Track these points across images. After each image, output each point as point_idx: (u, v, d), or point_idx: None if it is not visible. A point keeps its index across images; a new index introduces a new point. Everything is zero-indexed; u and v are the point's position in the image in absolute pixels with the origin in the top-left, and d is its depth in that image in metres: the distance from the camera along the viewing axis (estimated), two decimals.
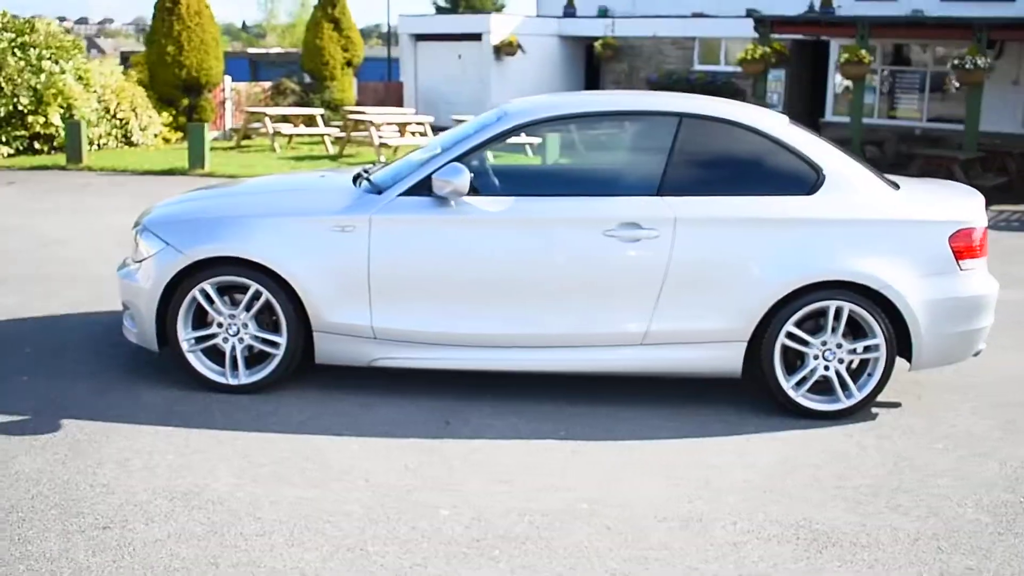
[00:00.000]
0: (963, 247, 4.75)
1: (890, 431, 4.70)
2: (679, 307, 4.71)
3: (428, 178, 4.73)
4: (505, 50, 23.05)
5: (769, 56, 17.08)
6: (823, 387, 4.80)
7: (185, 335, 4.86)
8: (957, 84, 16.45)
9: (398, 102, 23.82)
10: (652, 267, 4.69)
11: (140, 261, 4.95)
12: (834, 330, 4.72)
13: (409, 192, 4.77)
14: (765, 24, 17.38)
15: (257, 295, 4.79)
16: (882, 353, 4.73)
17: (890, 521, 3.76)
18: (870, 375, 4.78)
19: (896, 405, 5.03)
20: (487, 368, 4.84)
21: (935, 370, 5.21)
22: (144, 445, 4.24)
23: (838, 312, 4.69)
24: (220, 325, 4.86)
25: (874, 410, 4.92)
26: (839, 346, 4.74)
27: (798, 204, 4.74)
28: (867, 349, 4.75)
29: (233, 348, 4.88)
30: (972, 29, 15.14)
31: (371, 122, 15.43)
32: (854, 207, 4.75)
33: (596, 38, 24.24)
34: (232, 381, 4.88)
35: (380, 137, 15.65)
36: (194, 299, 4.81)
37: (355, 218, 4.74)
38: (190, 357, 4.88)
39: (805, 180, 4.79)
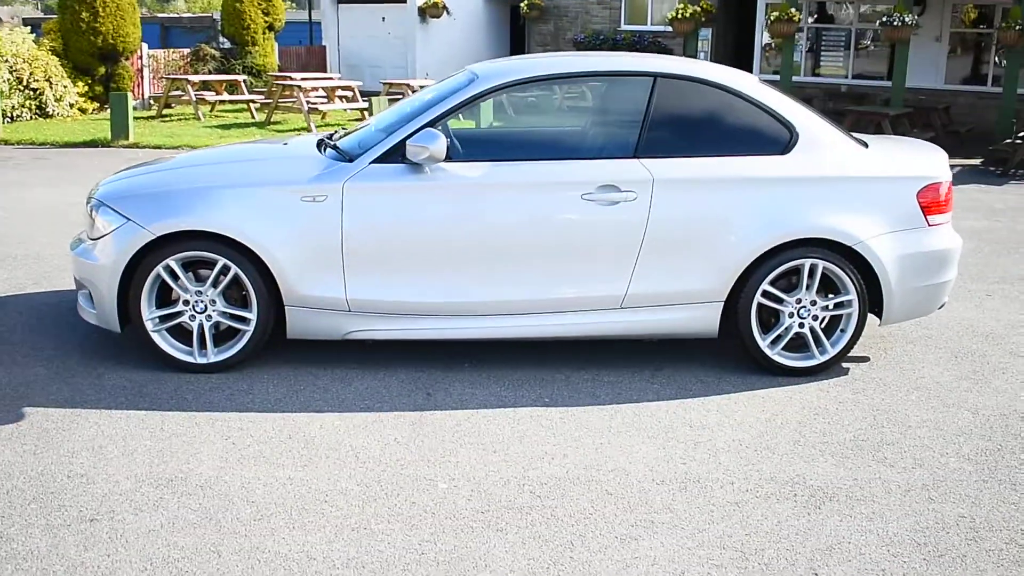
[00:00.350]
0: (930, 202, 4.84)
1: (864, 385, 4.79)
2: (657, 269, 4.70)
3: (400, 144, 4.61)
4: (430, 12, 22.65)
5: (699, 15, 17.18)
6: (797, 344, 4.86)
7: (149, 314, 4.66)
8: (884, 41, 16.73)
9: (321, 67, 23.27)
10: (630, 230, 4.66)
11: (98, 238, 4.71)
12: (808, 287, 4.77)
13: (381, 159, 4.63)
14: None
15: (225, 270, 4.61)
16: (855, 309, 4.80)
17: (879, 474, 3.84)
18: (843, 331, 4.85)
19: (865, 359, 5.13)
20: (465, 337, 4.76)
21: (897, 324, 5.32)
22: (117, 431, 4.07)
23: (812, 269, 4.74)
24: (186, 303, 4.68)
25: (845, 365, 5.01)
26: (813, 303, 4.80)
27: (773, 163, 4.75)
28: (839, 305, 4.82)
29: (201, 326, 4.70)
30: None
31: (299, 87, 15.03)
32: (827, 165, 4.78)
33: None
34: (200, 360, 4.71)
35: (309, 103, 15.27)
36: (158, 276, 4.62)
37: (327, 187, 4.59)
38: (155, 337, 4.69)
39: (779, 139, 4.80)
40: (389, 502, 3.52)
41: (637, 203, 4.63)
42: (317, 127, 15.11)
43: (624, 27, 23.47)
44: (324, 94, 16.03)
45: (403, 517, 3.42)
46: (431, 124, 4.64)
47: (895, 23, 14.78)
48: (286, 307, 4.67)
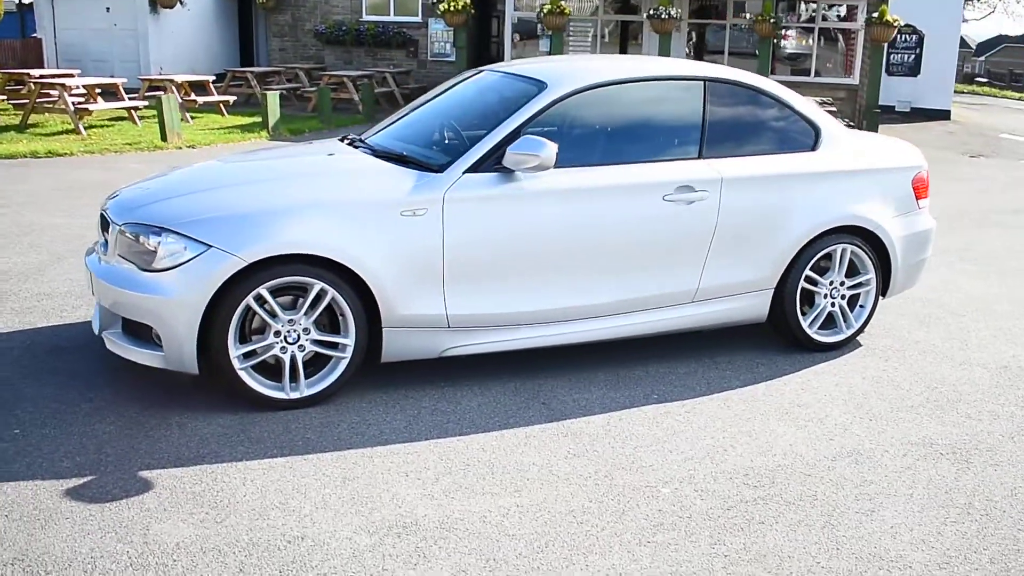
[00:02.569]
0: (919, 187, 5.54)
1: (882, 352, 5.40)
2: (723, 263, 4.99)
3: (491, 152, 4.48)
4: (163, 2, 21.01)
5: (469, 7, 17.51)
6: (827, 322, 5.37)
7: (236, 351, 4.18)
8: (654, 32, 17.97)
9: (38, 61, 20.80)
10: (703, 227, 4.90)
11: (165, 269, 4.12)
12: (838, 270, 5.29)
13: (472, 168, 4.48)
14: None
15: (321, 294, 4.24)
16: (873, 286, 5.41)
17: (979, 428, 4.42)
18: (862, 307, 5.44)
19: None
20: (558, 343, 4.76)
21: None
22: (274, 482, 3.65)
23: (842, 253, 5.26)
24: (277, 333, 4.24)
25: (859, 339, 5.62)
26: (842, 284, 5.33)
27: (808, 159, 5.20)
28: (859, 284, 5.39)
29: (293, 358, 4.29)
30: None
31: (63, 86, 13.44)
32: (846, 159, 5.32)
33: None
34: (293, 395, 4.30)
35: (75, 103, 13.71)
36: (247, 308, 4.15)
37: (426, 199, 4.37)
38: (243, 375, 4.21)
39: (807, 137, 5.26)
40: (633, 513, 3.52)
41: (709, 201, 4.87)
42: (86, 128, 13.60)
43: (366, 17, 23.29)
44: (85, 91, 14.43)
45: (663, 526, 3.44)
46: (516, 133, 4.55)
47: (663, 16, 16.08)
48: (384, 329, 4.39)
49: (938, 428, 4.40)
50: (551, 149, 4.39)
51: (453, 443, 4.06)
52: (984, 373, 5.15)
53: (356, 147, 5.14)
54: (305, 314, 4.26)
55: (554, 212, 4.60)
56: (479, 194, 4.46)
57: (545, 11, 16.90)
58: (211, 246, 4.08)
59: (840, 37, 21.37)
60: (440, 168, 4.49)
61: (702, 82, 5.07)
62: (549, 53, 19.82)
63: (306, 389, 4.32)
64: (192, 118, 15.78)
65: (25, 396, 4.37)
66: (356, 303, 4.30)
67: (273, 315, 4.22)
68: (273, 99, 14.85)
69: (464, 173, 4.46)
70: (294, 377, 4.31)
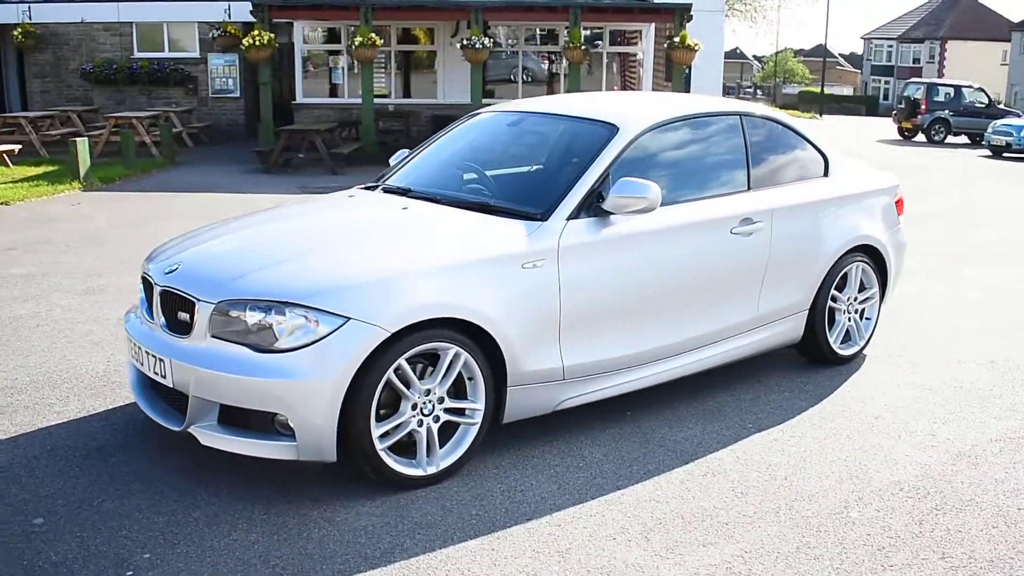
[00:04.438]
0: (900, 205, 6.05)
1: (891, 358, 5.84)
2: (773, 290, 5.18)
3: (587, 198, 4.39)
4: None
5: (273, 42, 16.85)
6: (844, 336, 5.72)
7: (377, 431, 3.80)
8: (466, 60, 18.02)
9: None
10: (760, 256, 5.06)
11: (292, 349, 3.67)
12: (855, 287, 5.67)
13: (572, 215, 4.36)
14: (263, 8, 17.04)
15: (455, 359, 3.96)
16: (877, 299, 5.83)
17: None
18: (868, 319, 5.85)
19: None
20: (654, 383, 4.74)
21: None
22: (492, 570, 3.35)
23: (855, 271, 5.64)
24: (414, 407, 3.90)
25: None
26: (855, 299, 5.71)
27: (825, 185, 5.53)
28: (868, 299, 5.79)
29: (429, 430, 3.96)
30: (467, 11, 16.99)
31: None
32: (852, 183, 5.71)
33: (13, 25, 20.80)
34: (430, 470, 3.97)
35: None
36: (387, 382, 3.79)
37: (542, 250, 4.20)
38: (383, 456, 3.83)
39: (819, 165, 5.59)
40: (848, 543, 3.58)
41: (764, 232, 5.05)
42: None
43: (139, 54, 21.78)
44: None
45: (884, 550, 3.53)
46: (604, 176, 4.47)
47: (476, 45, 16.28)
48: (508, 388, 4.16)
49: (1017, 422, 4.82)
50: (656, 190, 4.37)
51: (620, 497, 3.92)
52: (976, 368, 5.71)
53: (409, 196, 4.82)
54: (440, 382, 3.96)
55: (647, 253, 4.58)
56: (584, 240, 4.35)
57: (356, 43, 16.60)
58: (350, 318, 3.69)
59: (633, 60, 22.68)
60: (542, 217, 4.34)
61: (739, 116, 5.25)
62: (344, 84, 19.36)
63: (441, 462, 4.01)
64: None
65: (108, 512, 3.72)
66: (485, 365, 4.05)
67: (407, 386, 3.88)
68: (83, 146, 13.49)
69: (566, 220, 4.34)
70: (428, 451, 3.98)
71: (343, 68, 21.06)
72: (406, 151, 5.79)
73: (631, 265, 4.52)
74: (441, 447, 4.02)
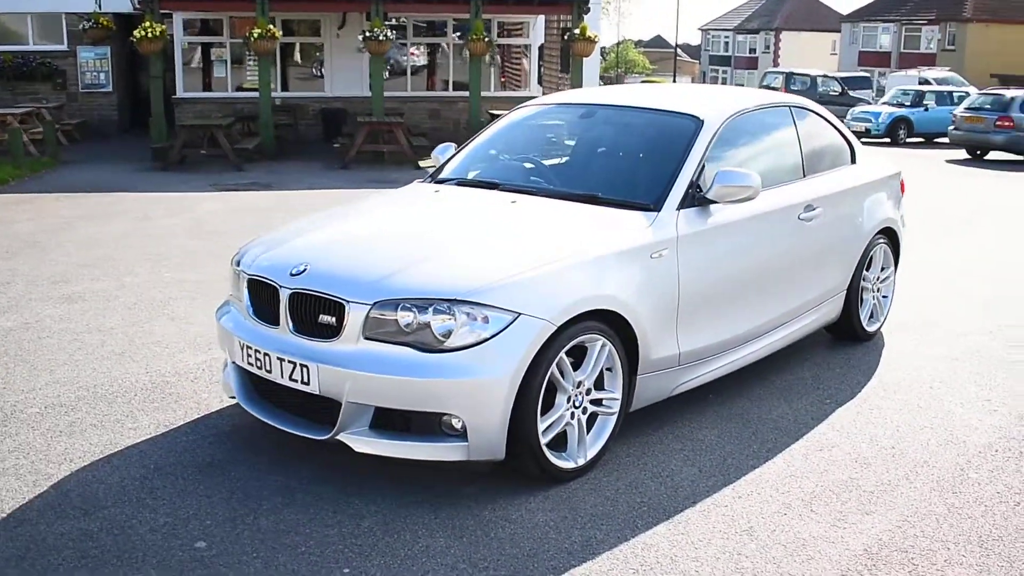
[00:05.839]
0: (903, 187, 6.48)
1: (905, 338, 6.25)
2: (826, 272, 5.46)
3: (689, 188, 4.50)
4: None
5: (165, 33, 16.05)
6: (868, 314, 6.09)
7: (542, 425, 3.80)
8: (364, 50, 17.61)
9: None
10: (818, 241, 5.33)
11: (461, 348, 3.61)
12: (881, 267, 6.04)
13: (680, 206, 4.46)
14: (152, 0, 16.18)
15: (601, 350, 4.00)
16: (893, 278, 6.23)
17: None
18: (886, 297, 6.24)
19: None
20: (746, 364, 4.93)
21: None
22: (741, 555, 3.44)
23: (878, 251, 6.00)
24: (569, 399, 3.92)
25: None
26: (877, 279, 6.08)
27: (855, 172, 5.86)
28: (887, 278, 6.18)
29: (579, 423, 3.99)
30: (368, 1, 16.68)
31: None
32: (873, 169, 6.07)
33: None
34: (580, 462, 4.01)
35: None
36: (550, 376, 3.79)
37: (667, 239, 4.29)
38: (546, 451, 3.83)
39: (848, 153, 5.92)
40: None
41: (821, 217, 5.31)
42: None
43: (1, 47, 20.22)
44: None
45: None
46: (701, 167, 4.59)
47: (380, 37, 16.01)
48: (638, 376, 4.24)
49: None
50: (758, 179, 4.53)
51: (761, 475, 4.08)
52: (979, 337, 6.21)
53: (500, 189, 4.78)
54: (588, 374, 3.99)
55: (741, 239, 4.75)
56: (695, 229, 4.47)
57: (255, 35, 16.02)
58: (520, 313, 3.67)
59: (523, 51, 22.83)
60: (656, 207, 4.42)
61: (788, 108, 5.49)
62: (228, 77, 18.48)
63: (588, 453, 4.05)
64: None
65: (269, 530, 3.56)
66: (623, 355, 4.12)
67: (563, 379, 3.90)
68: None
69: (676, 210, 4.45)
70: (582, 442, 4.01)
71: (227, 61, 20.24)
72: (451, 145, 5.71)
73: (729, 251, 4.68)
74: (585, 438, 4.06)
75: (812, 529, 3.63)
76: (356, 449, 3.76)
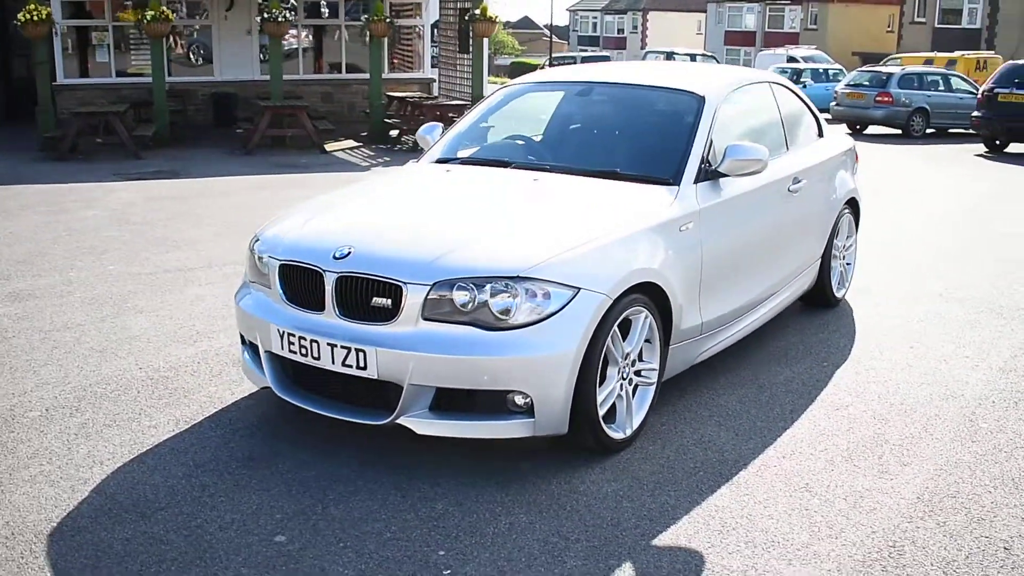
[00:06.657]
0: (856, 158, 6.82)
1: (870, 299, 6.61)
2: (807, 242, 5.72)
3: (702, 162, 4.63)
4: None
5: (51, 16, 15.15)
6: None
7: (600, 397, 3.87)
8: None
9: None
10: (803, 212, 5.58)
11: (525, 324, 3.63)
12: (845, 236, 6.35)
13: (696, 180, 4.59)
14: None
15: (643, 322, 4.09)
16: (855, 245, 6.57)
17: None
18: (849, 264, 6.57)
19: None
20: (750, 331, 5.11)
21: None
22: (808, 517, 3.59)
23: (843, 220, 6.31)
24: (619, 371, 3.99)
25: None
26: (844, 247, 6.40)
27: (825, 145, 6.14)
28: (850, 246, 6.51)
29: (627, 393, 4.08)
30: None
31: None
32: (838, 143, 6.37)
33: None
34: (628, 433, 4.10)
35: None
36: (605, 348, 3.85)
37: (692, 213, 4.42)
38: (602, 423, 3.90)
39: (814, 128, 6.19)
40: None
41: (804, 189, 5.55)
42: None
43: None
44: None
45: None
46: (710, 142, 4.73)
47: (277, 19, 15.57)
48: (670, 347, 4.35)
49: (1000, 335, 5.69)
50: (766, 152, 4.70)
51: (792, 436, 4.27)
52: (931, 301, 6.63)
53: (512, 167, 4.80)
54: (633, 346, 4.08)
55: (747, 211, 4.93)
56: (713, 202, 4.61)
57: (149, 17, 15.32)
58: (580, 288, 3.72)
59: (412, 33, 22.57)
60: (674, 182, 4.53)
61: (768, 84, 5.70)
62: (111, 62, 17.53)
63: (634, 423, 4.14)
64: None
65: (343, 519, 3.51)
66: (660, 326, 4.22)
67: (622, 352, 3.98)
68: None
69: (694, 184, 4.57)
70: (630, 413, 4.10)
71: (109, 45, 19.25)
72: (438, 125, 5.65)
73: (738, 222, 4.85)
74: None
75: (862, 482, 3.83)
76: (418, 432, 3.73)
